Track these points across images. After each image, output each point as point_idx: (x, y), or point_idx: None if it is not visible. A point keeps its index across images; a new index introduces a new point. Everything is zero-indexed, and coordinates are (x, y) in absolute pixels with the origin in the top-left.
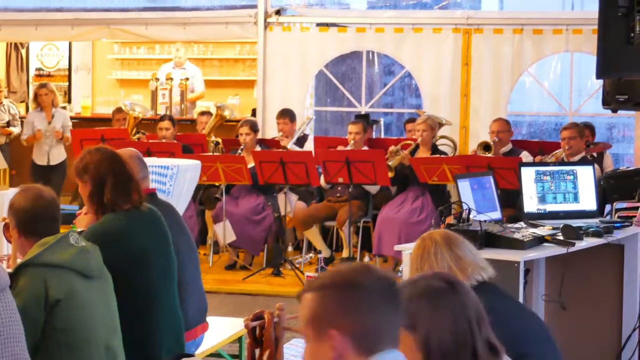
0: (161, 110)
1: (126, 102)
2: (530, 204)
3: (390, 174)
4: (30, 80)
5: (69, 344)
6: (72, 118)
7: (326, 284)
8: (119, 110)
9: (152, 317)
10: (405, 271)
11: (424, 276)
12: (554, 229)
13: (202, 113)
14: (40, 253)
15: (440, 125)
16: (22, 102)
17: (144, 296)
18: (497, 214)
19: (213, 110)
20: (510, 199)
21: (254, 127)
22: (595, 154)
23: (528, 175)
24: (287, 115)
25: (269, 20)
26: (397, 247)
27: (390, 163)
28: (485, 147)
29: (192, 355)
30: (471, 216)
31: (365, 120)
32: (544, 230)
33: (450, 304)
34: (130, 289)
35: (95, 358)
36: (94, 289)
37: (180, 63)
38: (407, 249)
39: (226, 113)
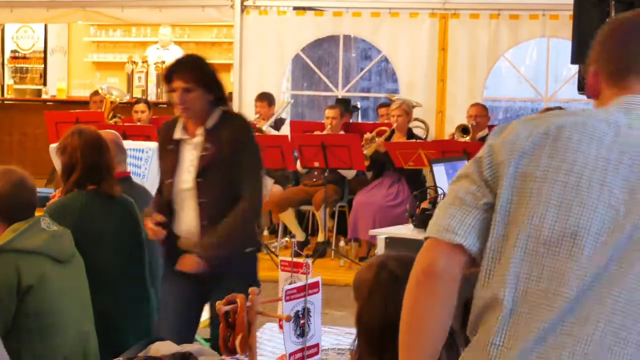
0: (137, 94)
1: (103, 85)
2: None
3: (366, 163)
4: (6, 62)
5: (41, 329)
6: (47, 101)
7: None
8: (96, 93)
9: (112, 301)
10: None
11: (385, 257)
12: None
13: None
14: (12, 239)
15: (413, 107)
16: None
17: (100, 276)
18: None
19: None
20: None
21: None
22: None
23: None
24: (265, 98)
25: (245, 3)
26: (371, 232)
27: (365, 152)
28: (464, 129)
29: (165, 339)
30: None
31: (345, 106)
32: None
33: (384, 294)
34: (86, 266)
35: (68, 343)
36: (66, 273)
37: (165, 43)
38: (382, 234)
39: None
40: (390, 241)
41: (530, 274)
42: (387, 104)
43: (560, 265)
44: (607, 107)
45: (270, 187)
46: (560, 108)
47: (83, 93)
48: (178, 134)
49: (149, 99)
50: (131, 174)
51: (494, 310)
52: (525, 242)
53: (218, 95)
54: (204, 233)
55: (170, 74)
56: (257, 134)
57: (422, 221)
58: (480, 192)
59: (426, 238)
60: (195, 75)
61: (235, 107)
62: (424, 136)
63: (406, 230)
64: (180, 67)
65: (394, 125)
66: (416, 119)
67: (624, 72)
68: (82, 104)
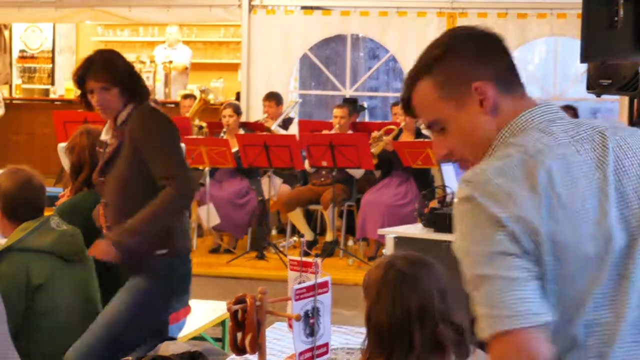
0: None
1: None
2: None
3: (374, 162)
4: (14, 62)
5: (50, 328)
6: (55, 100)
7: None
8: None
9: None
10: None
11: (393, 257)
12: None
13: (186, 96)
14: (22, 238)
15: None
16: (5, 83)
17: (110, 275)
18: None
19: (197, 94)
20: None
21: (237, 110)
22: None
23: None
24: (273, 98)
25: (253, 3)
26: (380, 231)
27: (373, 150)
28: None
29: (174, 339)
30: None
31: (352, 105)
32: None
33: (392, 293)
34: (95, 265)
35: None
36: (76, 272)
37: (172, 43)
38: (391, 233)
39: (210, 97)
40: (399, 240)
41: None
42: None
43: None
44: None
45: (279, 187)
46: (571, 107)
47: None
48: (104, 135)
49: (156, 98)
50: None
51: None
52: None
53: (135, 91)
54: None
55: (83, 76)
56: (265, 133)
57: (430, 220)
58: (528, 264)
59: (496, 335)
60: (110, 73)
61: (243, 107)
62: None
63: (415, 230)
64: (93, 67)
65: (402, 125)
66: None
67: None
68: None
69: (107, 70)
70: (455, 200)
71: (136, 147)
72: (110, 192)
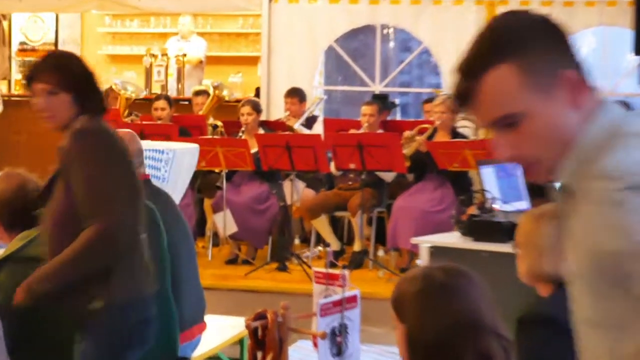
0: (156, 89)
1: (117, 80)
2: None
3: (406, 164)
4: (13, 55)
5: (52, 338)
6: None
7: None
8: (110, 89)
9: None
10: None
11: (429, 269)
12: None
13: (198, 93)
14: (22, 247)
15: None
16: (4, 79)
17: None
18: (524, 204)
19: (210, 91)
20: (539, 187)
21: (256, 107)
22: None
23: None
24: (296, 94)
25: None
26: (413, 240)
27: (405, 151)
28: None
29: (187, 359)
30: (495, 206)
31: (382, 102)
32: None
33: (437, 306)
34: None
35: None
36: None
37: (186, 34)
38: (425, 242)
39: (224, 93)
40: (435, 250)
41: None
42: (433, 100)
43: None
44: None
45: (302, 191)
46: (624, 103)
47: None
48: None
49: (169, 94)
50: (150, 177)
51: None
52: None
53: (90, 103)
54: None
55: (31, 76)
56: (287, 132)
57: (469, 228)
58: None
59: None
60: (61, 75)
61: (263, 104)
62: (473, 138)
63: (452, 239)
64: (43, 66)
65: (437, 123)
66: (465, 118)
67: None
68: None
69: (59, 71)
70: (611, 192)
71: (65, 170)
72: (46, 225)
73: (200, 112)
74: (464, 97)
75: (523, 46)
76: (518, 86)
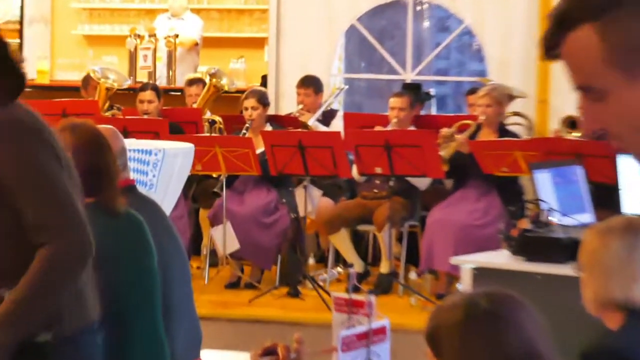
0: (142, 77)
1: (96, 67)
2: (633, 203)
3: (444, 168)
4: None
5: None
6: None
7: None
8: (88, 76)
9: (122, 347)
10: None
11: (472, 294)
12: None
13: (191, 82)
14: None
15: (511, 98)
16: None
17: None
18: (587, 217)
19: (206, 79)
20: (606, 196)
21: (262, 100)
22: None
23: (630, 165)
24: (311, 84)
25: None
26: (452, 260)
27: (442, 153)
28: (571, 123)
29: None
30: (553, 219)
31: (415, 93)
32: None
33: (486, 339)
34: None
35: None
36: None
37: (178, 11)
38: (467, 263)
39: (223, 82)
40: (479, 272)
41: None
42: (476, 90)
43: None
44: None
45: (318, 201)
46: None
47: (71, 76)
48: None
49: (158, 84)
50: (136, 183)
51: None
52: None
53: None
54: None
55: None
56: (300, 129)
57: (521, 246)
58: None
59: None
60: None
61: (270, 95)
62: (527, 136)
63: (499, 258)
64: None
65: (481, 119)
66: (516, 113)
67: None
68: (70, 90)
69: None
70: None
71: None
72: None
73: (195, 105)
74: (549, 46)
75: (614, 14)
76: (597, 58)
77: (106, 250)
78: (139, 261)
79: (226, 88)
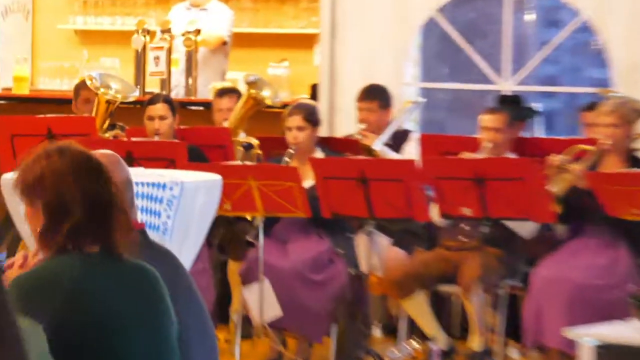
0: (153, 86)
1: (93, 72)
2: None
3: (555, 209)
4: None
5: None
6: None
7: None
8: (82, 84)
9: None
10: None
11: None
12: None
13: (223, 92)
14: None
15: None
16: None
17: None
18: None
19: (242, 88)
20: None
21: (311, 117)
22: None
23: None
24: (376, 96)
25: None
26: (568, 333)
27: (552, 189)
28: None
29: None
30: None
31: (515, 108)
32: None
33: None
34: None
35: None
36: None
37: (198, 1)
38: (587, 336)
39: (265, 94)
40: (603, 350)
41: None
42: (596, 105)
43: None
44: None
45: (386, 253)
46: None
47: (58, 85)
48: None
49: (173, 95)
50: (146, 226)
51: None
52: None
53: None
54: None
55: None
56: (362, 157)
57: None
58: None
59: None
60: None
61: (322, 108)
62: None
63: (630, 332)
64: None
65: (604, 143)
66: None
67: None
68: (58, 103)
69: None
70: None
71: None
72: None
73: (225, 124)
74: None
75: None
76: None
77: (109, 307)
78: (150, 329)
79: (269, 102)
